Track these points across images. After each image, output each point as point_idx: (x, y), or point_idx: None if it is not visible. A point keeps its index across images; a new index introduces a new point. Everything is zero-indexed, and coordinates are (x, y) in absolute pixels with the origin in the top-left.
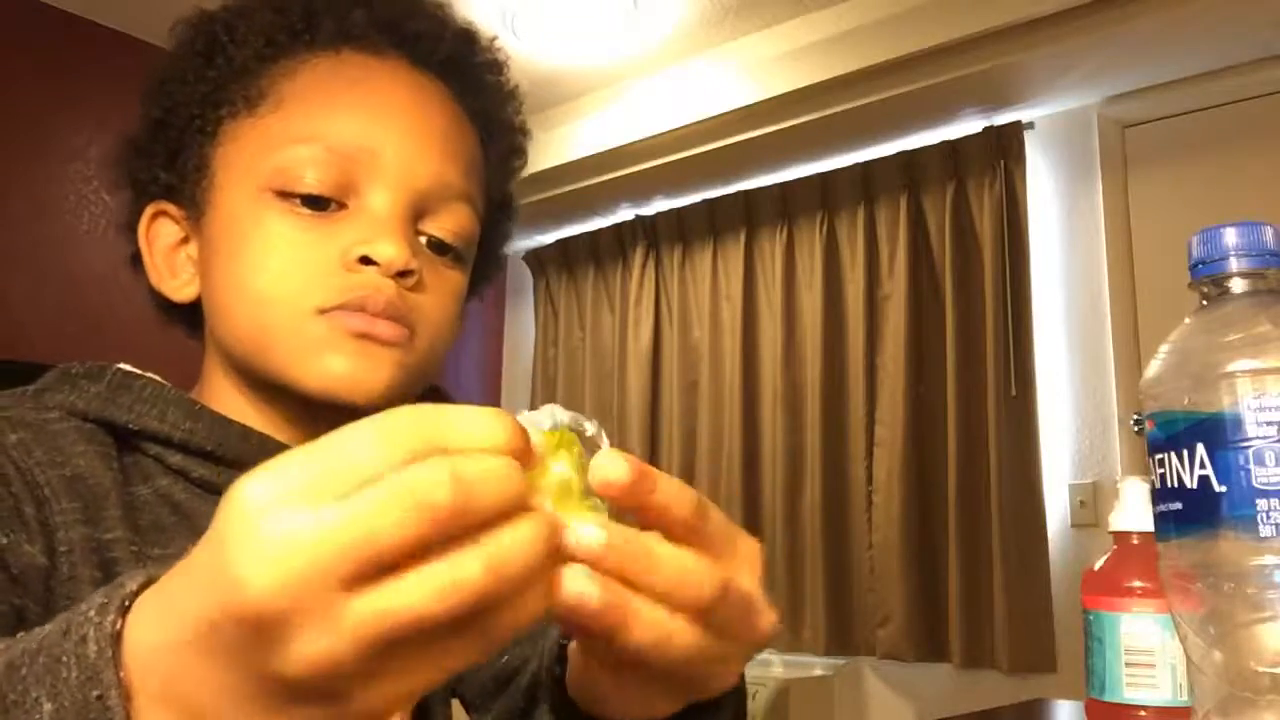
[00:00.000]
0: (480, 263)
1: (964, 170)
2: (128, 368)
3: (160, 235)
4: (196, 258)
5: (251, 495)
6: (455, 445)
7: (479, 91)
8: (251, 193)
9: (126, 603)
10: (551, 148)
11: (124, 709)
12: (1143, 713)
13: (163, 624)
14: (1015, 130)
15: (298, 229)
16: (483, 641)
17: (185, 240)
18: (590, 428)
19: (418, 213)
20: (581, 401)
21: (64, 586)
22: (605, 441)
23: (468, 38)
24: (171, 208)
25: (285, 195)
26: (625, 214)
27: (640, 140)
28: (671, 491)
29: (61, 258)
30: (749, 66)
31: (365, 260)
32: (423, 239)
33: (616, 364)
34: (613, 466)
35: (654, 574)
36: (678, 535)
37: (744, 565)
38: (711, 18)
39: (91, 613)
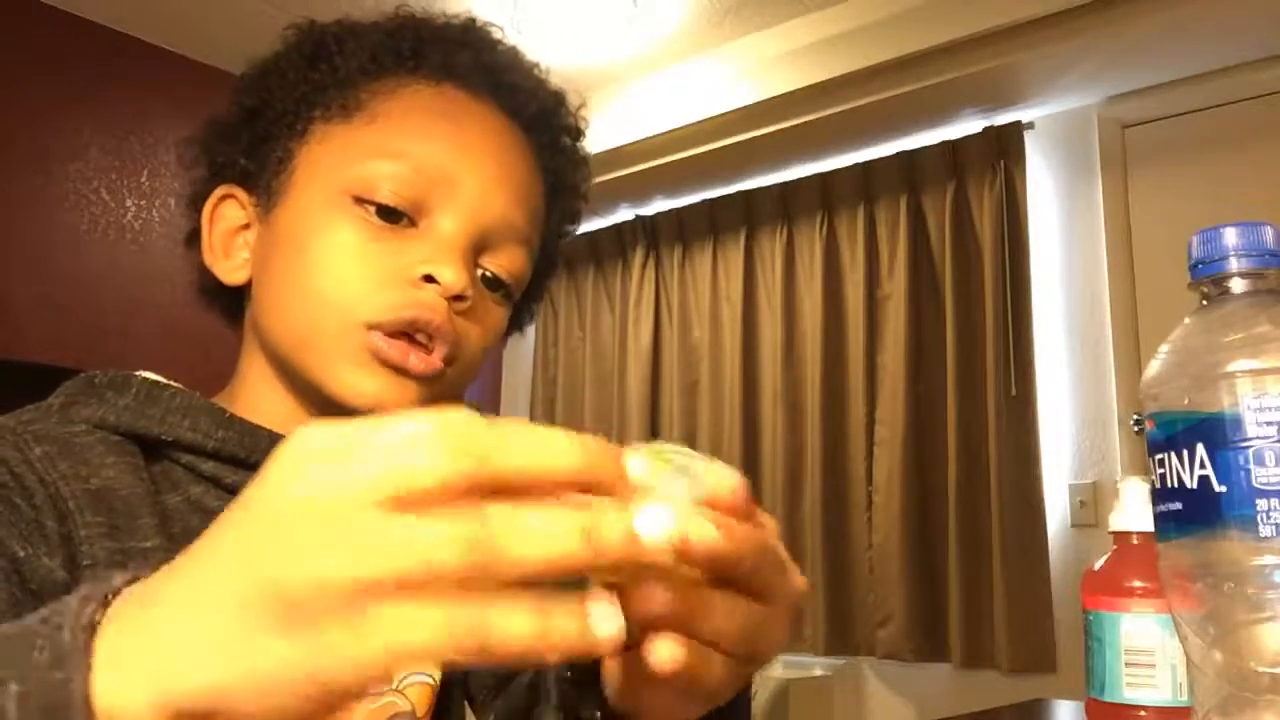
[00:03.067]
0: (519, 308)
1: (964, 170)
2: (152, 376)
3: (224, 217)
4: (254, 245)
5: (302, 430)
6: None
7: (556, 153)
8: (330, 194)
9: (108, 595)
10: None
11: (85, 694)
12: (1143, 713)
13: (143, 601)
14: (1015, 130)
15: (367, 236)
16: (478, 632)
17: (246, 227)
18: (699, 465)
19: (480, 246)
20: (581, 401)
21: None
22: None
23: (558, 100)
24: (241, 193)
25: (362, 201)
26: (625, 214)
27: (640, 140)
28: (769, 532)
29: (61, 258)
30: (749, 66)
31: (427, 278)
32: (480, 272)
33: (616, 364)
34: (730, 477)
35: (709, 615)
36: (740, 580)
37: (784, 606)
38: (711, 18)
39: (74, 602)
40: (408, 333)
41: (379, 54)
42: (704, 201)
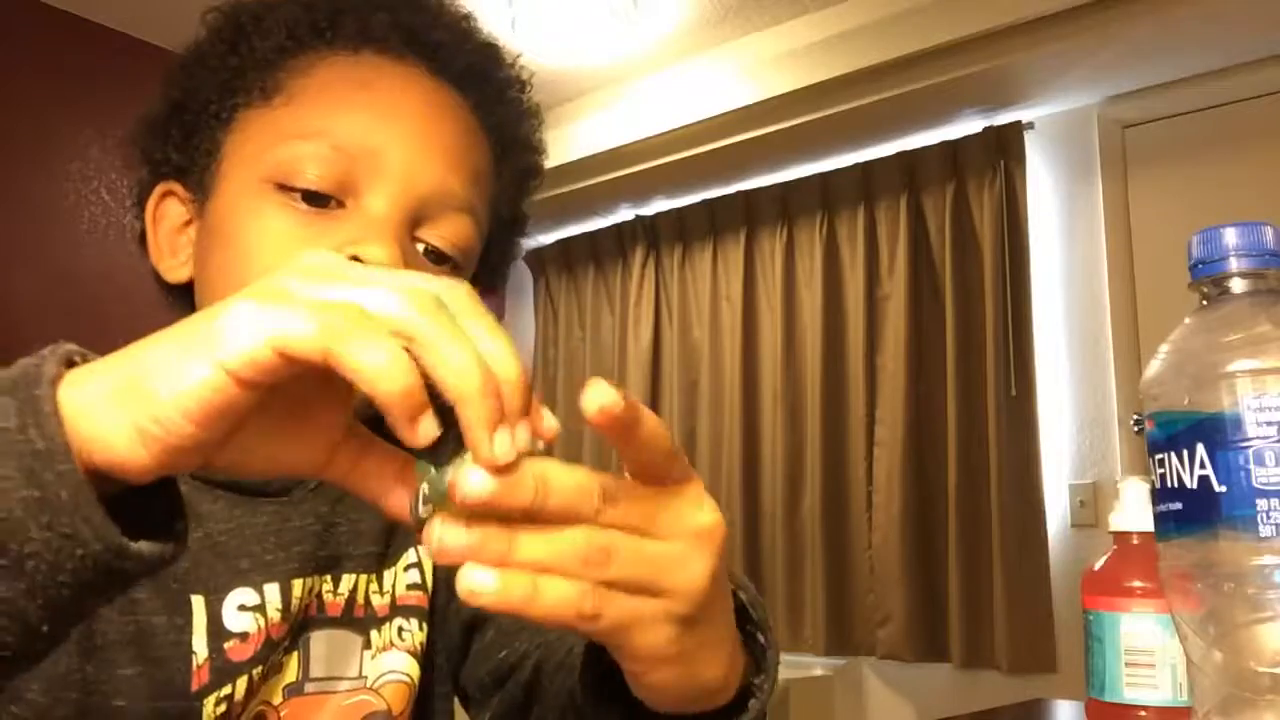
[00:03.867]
0: (482, 276)
1: (964, 170)
2: None
3: (167, 215)
4: (195, 241)
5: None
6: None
7: (497, 106)
8: (253, 183)
9: (81, 354)
10: (551, 148)
11: (54, 376)
12: (1143, 713)
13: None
14: (1015, 130)
15: (294, 224)
16: (339, 337)
17: (189, 223)
18: None
19: (416, 219)
20: None
21: None
22: None
23: (490, 52)
24: (180, 189)
25: (285, 189)
26: (625, 214)
27: (640, 140)
28: (654, 430)
29: (61, 257)
30: (749, 66)
31: (355, 260)
32: (420, 246)
33: (616, 364)
34: (606, 393)
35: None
36: (647, 479)
37: (687, 528)
38: (711, 18)
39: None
40: None
41: (295, 29)
42: (704, 201)
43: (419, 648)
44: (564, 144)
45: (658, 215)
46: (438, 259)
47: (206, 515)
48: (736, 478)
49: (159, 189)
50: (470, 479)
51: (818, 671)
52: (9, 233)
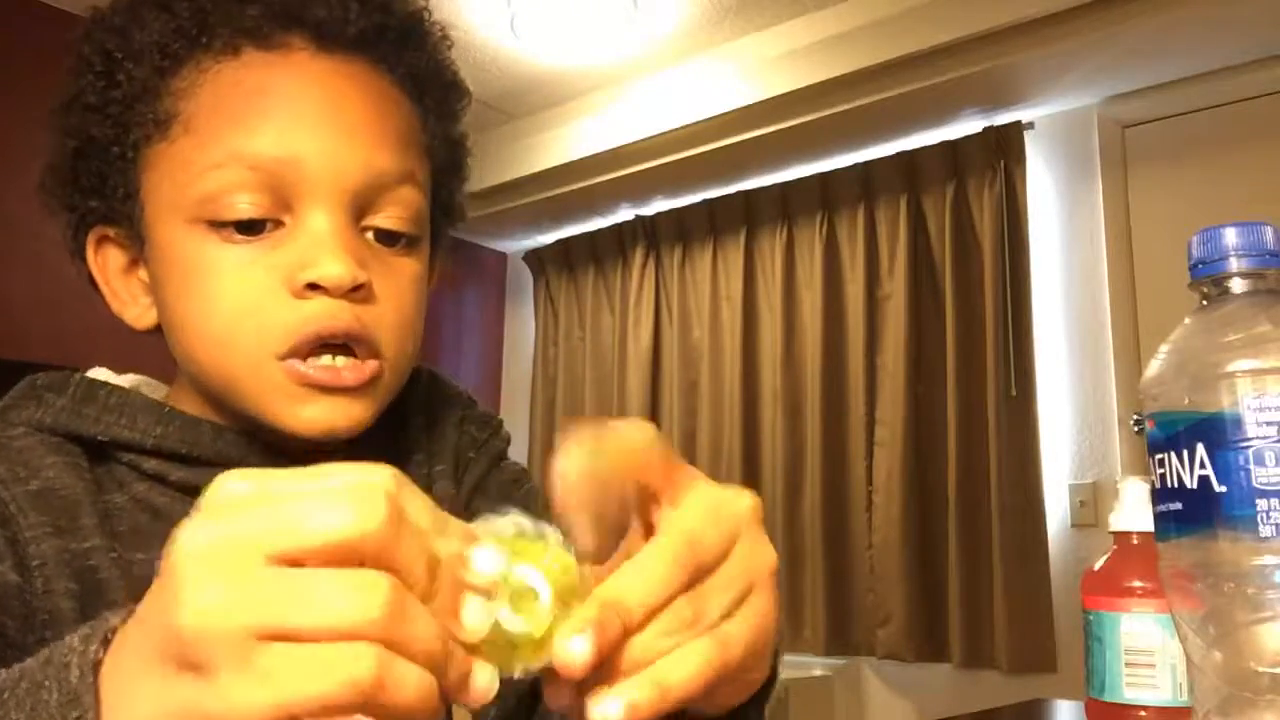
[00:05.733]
0: (438, 217)
1: (964, 170)
2: (96, 375)
3: (110, 259)
4: (148, 283)
5: (218, 480)
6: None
7: (400, 53)
8: (182, 226)
9: (109, 635)
10: (551, 148)
11: None
12: (1143, 713)
13: (122, 644)
14: (1015, 130)
15: (239, 261)
16: (368, 686)
17: (134, 263)
18: (551, 534)
19: (358, 211)
20: (581, 402)
21: (40, 600)
22: (559, 541)
23: (379, 6)
24: (112, 231)
25: (217, 224)
26: (625, 214)
27: (640, 140)
28: (648, 601)
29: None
30: (749, 67)
31: (312, 286)
32: (369, 234)
33: (616, 364)
34: (573, 653)
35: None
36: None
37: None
38: (711, 18)
39: (76, 642)
40: (325, 343)
41: (166, 43)
42: (704, 201)
43: None
44: (564, 144)
45: (658, 215)
46: (390, 239)
47: None
48: (736, 478)
49: (92, 236)
50: (572, 647)
51: (818, 671)
52: (9, 233)
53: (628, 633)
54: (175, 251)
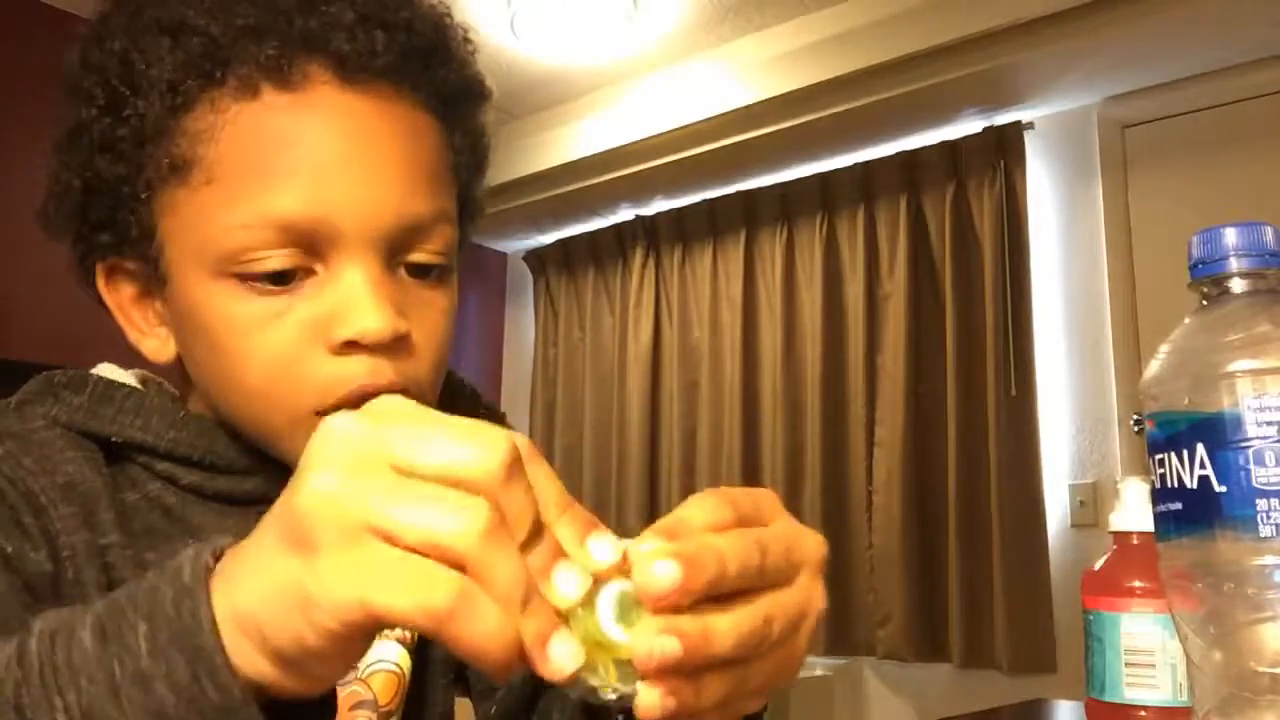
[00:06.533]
0: (462, 219)
1: (964, 170)
2: (111, 375)
3: (121, 289)
4: (166, 315)
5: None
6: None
7: (426, 73)
8: (208, 279)
9: (219, 550)
10: (551, 148)
11: (210, 615)
12: (1143, 713)
13: (233, 555)
14: (1015, 130)
15: (271, 313)
16: (447, 612)
17: (148, 292)
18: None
19: (390, 254)
20: (581, 401)
21: (70, 590)
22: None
23: (404, 27)
24: (126, 263)
25: (246, 278)
26: (625, 214)
27: (640, 140)
28: (728, 561)
29: (62, 258)
30: (749, 67)
31: (351, 344)
32: (401, 269)
33: (616, 364)
34: (660, 578)
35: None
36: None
37: (801, 587)
38: (711, 18)
39: (189, 553)
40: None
41: (177, 80)
42: (704, 201)
43: (410, 638)
44: (564, 144)
45: (658, 215)
46: (423, 272)
47: (199, 527)
48: (736, 478)
49: (101, 266)
50: (658, 569)
51: (818, 671)
52: (9, 232)
53: (718, 569)
54: (203, 302)
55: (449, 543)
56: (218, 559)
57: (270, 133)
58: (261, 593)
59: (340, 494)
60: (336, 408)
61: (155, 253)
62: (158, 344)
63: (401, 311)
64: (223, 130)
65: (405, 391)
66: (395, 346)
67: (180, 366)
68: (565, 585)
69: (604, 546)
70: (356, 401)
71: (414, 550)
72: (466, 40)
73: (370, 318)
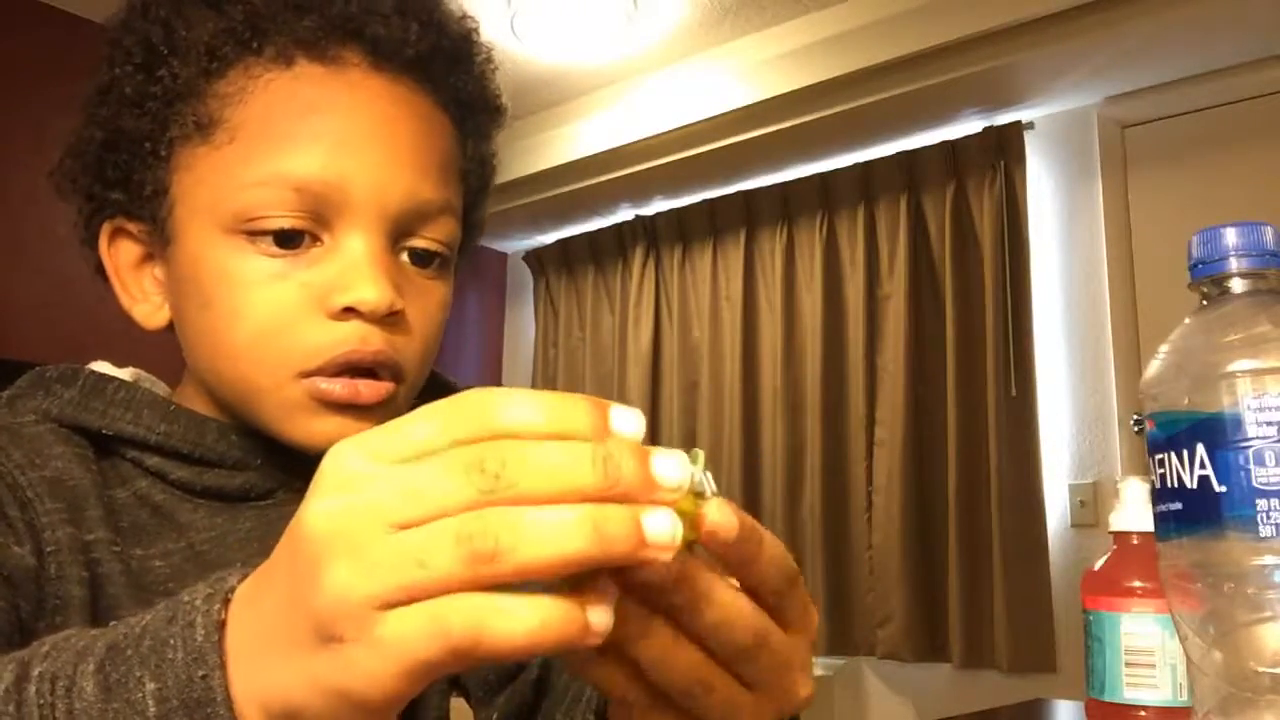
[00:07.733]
0: (463, 236)
1: (964, 170)
2: (102, 369)
3: (122, 252)
4: (164, 281)
5: (333, 453)
6: (518, 429)
7: (449, 75)
8: (217, 233)
9: (228, 596)
10: (551, 148)
11: (225, 688)
12: (1143, 713)
13: (248, 603)
14: (1015, 130)
15: (272, 273)
16: (473, 630)
17: (149, 257)
18: (708, 484)
19: (396, 235)
20: None
21: (52, 585)
22: (710, 487)
23: (436, 26)
24: (130, 225)
25: (254, 234)
26: (625, 214)
27: (640, 140)
28: (774, 557)
29: (61, 257)
30: (749, 67)
31: (348, 310)
32: (404, 254)
33: (616, 364)
34: (723, 519)
35: (706, 608)
36: (760, 598)
37: (804, 635)
38: (711, 18)
39: (199, 601)
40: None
41: (216, 47)
42: (704, 201)
43: None
44: (564, 144)
45: (658, 215)
46: (424, 261)
47: (187, 525)
48: (736, 478)
49: (106, 227)
50: (724, 510)
51: (818, 671)
52: (9, 233)
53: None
54: (206, 258)
55: (452, 573)
56: (228, 602)
57: (300, 99)
58: (300, 687)
59: (351, 583)
60: (321, 371)
61: (165, 212)
62: (149, 310)
63: (400, 292)
64: (253, 94)
65: (391, 365)
66: (389, 322)
67: (177, 365)
68: (668, 469)
69: (670, 463)
70: (342, 366)
71: (540, 500)
72: (489, 58)
73: (369, 288)
